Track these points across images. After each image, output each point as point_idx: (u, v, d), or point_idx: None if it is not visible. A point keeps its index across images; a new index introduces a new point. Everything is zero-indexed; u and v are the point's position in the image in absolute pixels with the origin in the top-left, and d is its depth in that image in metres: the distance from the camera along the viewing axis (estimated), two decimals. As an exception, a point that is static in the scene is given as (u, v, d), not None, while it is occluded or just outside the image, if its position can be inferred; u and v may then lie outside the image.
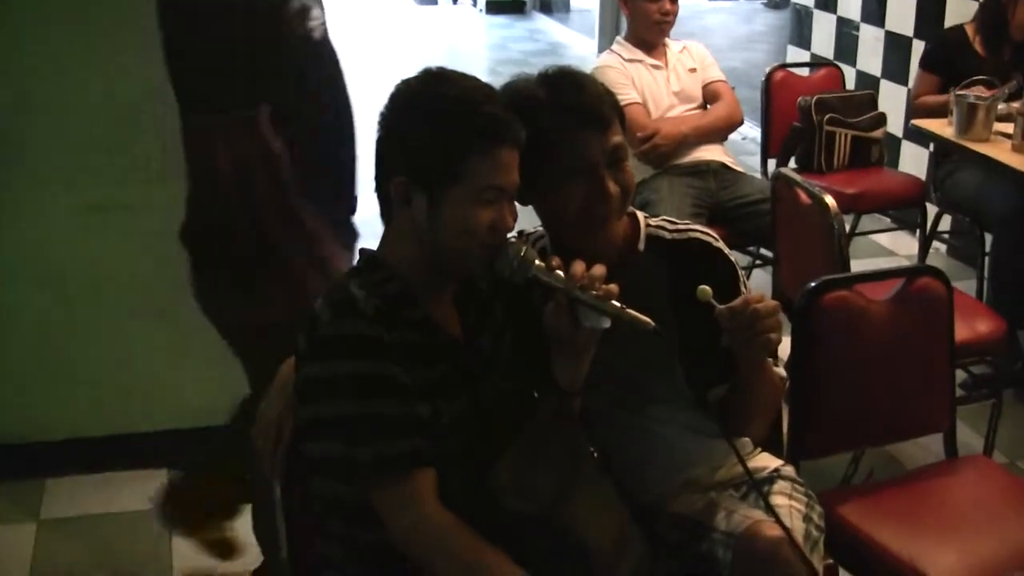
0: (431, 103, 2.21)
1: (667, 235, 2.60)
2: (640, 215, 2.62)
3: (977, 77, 5.32)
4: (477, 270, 2.27)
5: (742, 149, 8.00)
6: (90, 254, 4.09)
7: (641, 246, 2.57)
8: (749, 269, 5.56)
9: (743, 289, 2.55)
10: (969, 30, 5.67)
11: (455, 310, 2.35)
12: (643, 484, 2.62)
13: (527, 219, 2.41)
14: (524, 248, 2.23)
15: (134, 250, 4.08)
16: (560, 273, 2.19)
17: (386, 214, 2.30)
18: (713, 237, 2.63)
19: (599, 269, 2.18)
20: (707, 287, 2.26)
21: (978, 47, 5.60)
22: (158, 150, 3.94)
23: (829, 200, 3.80)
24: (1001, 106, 5.03)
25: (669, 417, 2.61)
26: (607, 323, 2.17)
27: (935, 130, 5.21)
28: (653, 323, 2.17)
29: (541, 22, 14.78)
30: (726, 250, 2.62)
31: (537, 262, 2.21)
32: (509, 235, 2.30)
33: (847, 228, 5.99)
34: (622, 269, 2.38)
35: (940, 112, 5.28)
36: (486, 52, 13.10)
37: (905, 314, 3.19)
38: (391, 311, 2.19)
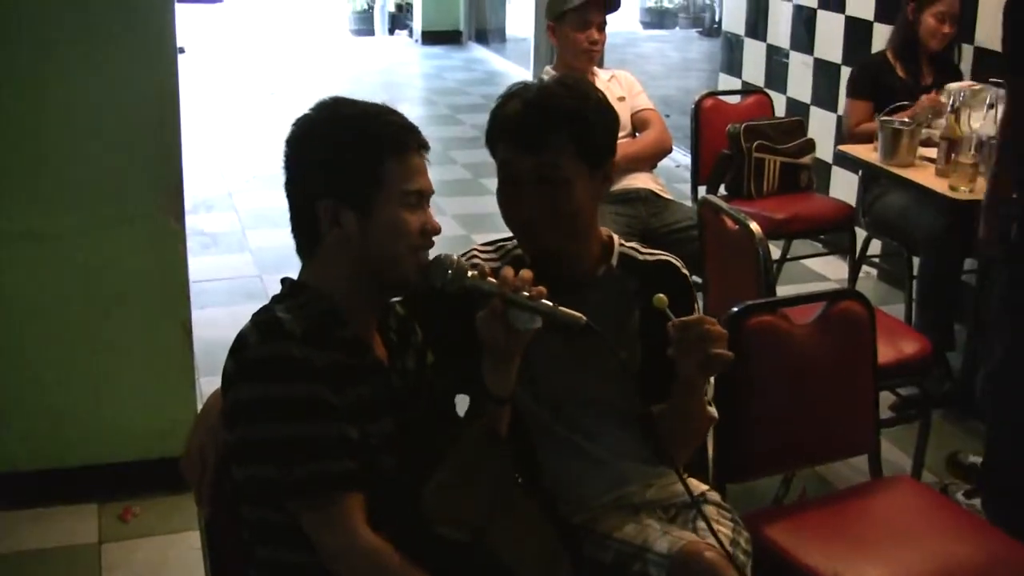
0: (338, 124, 2.30)
1: (639, 256, 2.71)
2: (615, 237, 2.72)
3: (903, 103, 5.40)
4: (411, 278, 2.32)
5: (676, 176, 8.05)
6: (15, 281, 4.07)
7: (614, 262, 2.66)
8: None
9: None
10: (889, 55, 5.77)
11: (378, 334, 2.39)
12: (576, 502, 2.67)
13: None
14: (457, 259, 2.30)
15: (61, 279, 4.07)
16: (492, 279, 2.26)
17: (307, 245, 2.34)
18: (680, 263, 2.74)
19: (527, 273, 2.26)
20: (663, 296, 2.35)
21: (900, 71, 5.69)
22: (77, 180, 3.97)
23: (754, 226, 3.85)
24: (925, 131, 5.11)
25: (606, 435, 2.66)
26: (539, 323, 2.24)
27: (861, 155, 5.29)
28: (584, 319, 2.24)
29: (477, 52, 14.82)
30: (689, 278, 2.73)
31: (470, 271, 2.28)
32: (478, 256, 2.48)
33: (778, 254, 6.08)
34: (596, 284, 2.58)
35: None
36: (422, 81, 13.12)
37: (828, 337, 3.24)
38: (319, 332, 2.22)
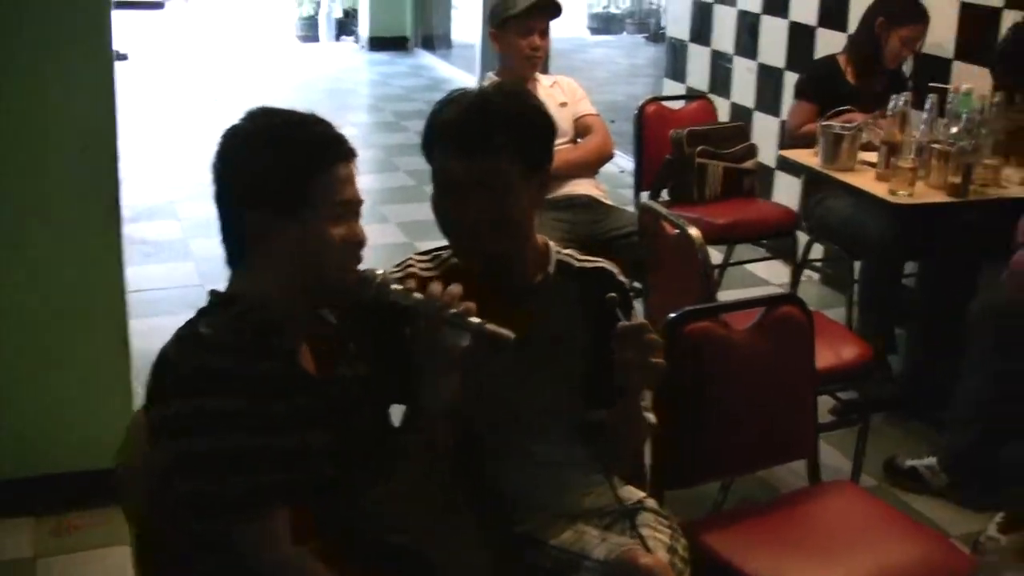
0: (267, 133, 2.29)
1: (576, 263, 2.70)
2: (551, 244, 2.71)
3: (846, 107, 5.42)
4: (340, 290, 2.31)
5: (620, 182, 8.05)
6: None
7: (551, 269, 2.65)
8: (628, 302, 5.61)
9: None
10: (841, 60, 5.79)
11: (308, 346, 2.38)
12: (519, 511, 2.66)
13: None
14: (382, 273, 2.29)
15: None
16: (418, 295, 2.25)
17: (235, 255, 2.33)
18: (617, 269, 2.75)
19: (456, 288, 2.25)
20: (615, 295, 2.37)
21: (850, 76, 5.71)
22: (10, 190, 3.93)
23: (693, 231, 3.86)
24: (865, 135, 5.13)
25: (548, 444, 2.66)
26: (467, 340, 2.24)
27: (802, 160, 5.30)
28: (513, 335, 2.24)
29: (424, 58, 14.81)
30: (626, 284, 2.74)
31: (395, 286, 2.28)
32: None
33: (722, 259, 6.09)
34: (534, 291, 2.58)
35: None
36: (367, 88, 13.09)
37: (767, 342, 3.24)
38: (249, 343, 2.20)
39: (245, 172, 2.27)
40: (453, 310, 2.22)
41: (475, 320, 2.22)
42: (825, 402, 4.66)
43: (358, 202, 2.33)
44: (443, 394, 2.30)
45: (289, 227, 2.23)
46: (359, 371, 2.46)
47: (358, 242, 2.30)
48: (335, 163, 2.28)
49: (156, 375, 2.22)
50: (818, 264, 6.41)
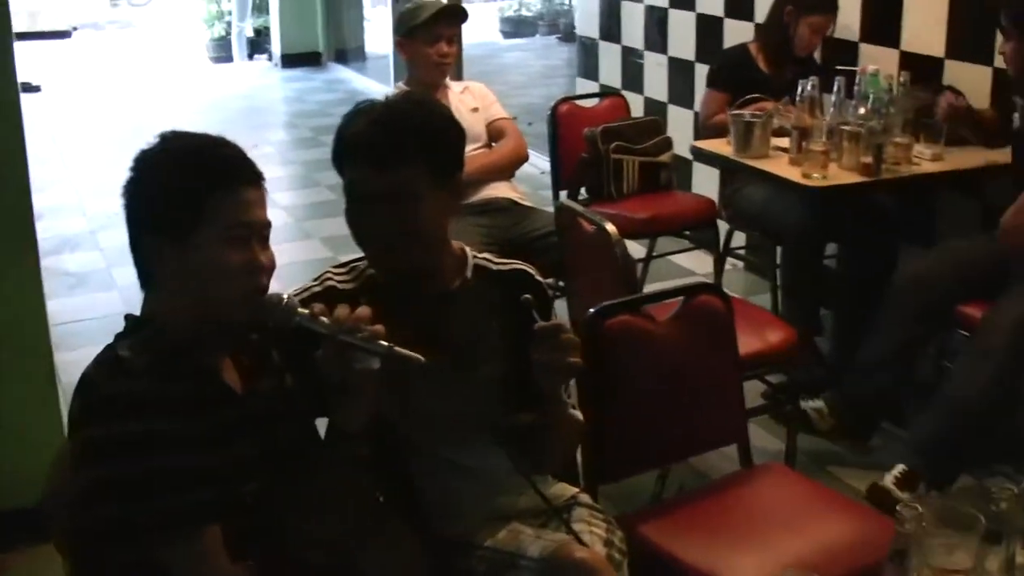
0: (170, 157, 2.29)
1: (493, 267, 2.72)
2: (467, 249, 2.72)
3: (757, 95, 5.47)
4: (241, 317, 2.29)
5: (541, 183, 8.07)
6: None
7: (468, 274, 2.66)
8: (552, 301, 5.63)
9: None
10: (752, 48, 5.84)
11: (231, 360, 2.37)
12: (450, 516, 2.67)
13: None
14: (286, 297, 2.28)
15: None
16: (325, 319, 2.23)
17: (145, 277, 2.33)
18: (534, 270, 2.77)
19: (364, 311, 2.24)
20: (529, 296, 2.41)
21: (762, 64, 5.76)
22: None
23: (609, 227, 3.88)
24: (776, 121, 5.18)
25: (476, 448, 2.66)
26: (377, 363, 2.23)
27: (715, 150, 5.33)
28: (422, 358, 2.23)
29: (338, 72, 14.76)
30: (543, 284, 2.75)
31: (300, 309, 2.26)
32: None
33: (645, 252, 6.13)
34: (452, 298, 2.59)
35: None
36: (283, 105, 13.04)
37: (688, 332, 3.28)
38: (163, 366, 2.20)
39: (147, 195, 2.27)
40: (361, 334, 2.21)
41: (384, 344, 2.21)
42: (757, 387, 4.70)
43: (263, 225, 2.31)
44: (357, 414, 2.30)
45: (177, 251, 2.22)
46: (283, 384, 2.46)
47: (260, 267, 2.28)
48: (237, 186, 2.27)
49: (76, 400, 2.22)
50: (741, 252, 6.46)
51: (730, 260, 6.25)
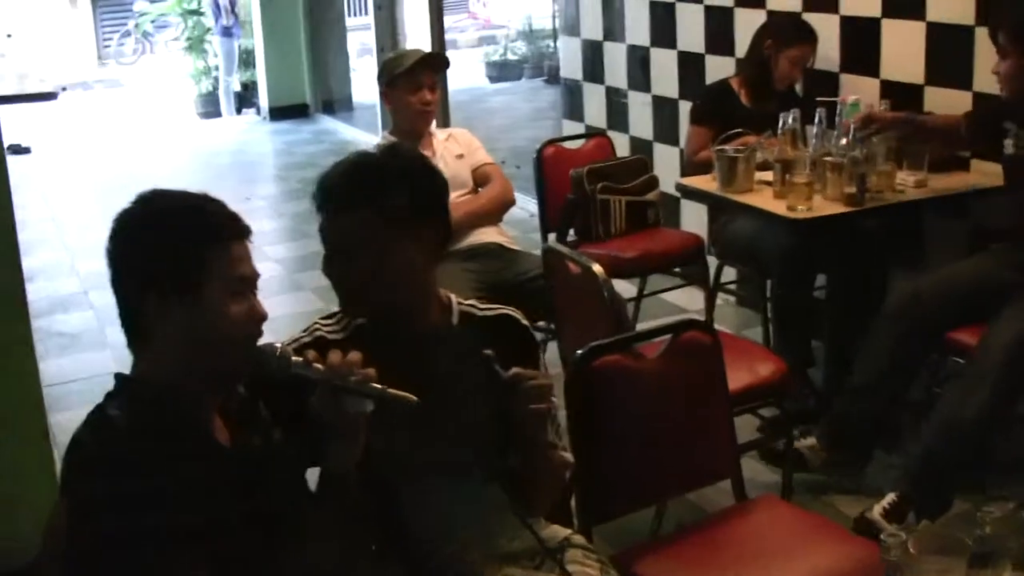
0: (160, 216, 2.31)
1: (478, 312, 2.74)
2: (453, 297, 2.75)
3: (739, 130, 5.50)
4: (242, 367, 2.32)
5: (531, 226, 8.08)
6: None
7: (454, 321, 2.69)
8: (544, 343, 5.65)
9: (541, 367, 2.73)
10: (734, 84, 5.89)
11: (220, 417, 2.38)
12: (444, 561, 2.67)
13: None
14: (279, 345, 2.30)
15: None
16: (319, 366, 2.26)
17: (136, 339, 2.33)
18: (520, 315, 2.79)
19: (355, 356, 2.27)
20: (490, 351, 2.43)
21: (744, 98, 5.80)
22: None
23: (596, 267, 3.90)
24: (760, 154, 5.21)
25: (471, 490, 2.67)
26: (371, 406, 2.27)
27: (700, 186, 5.36)
28: (416, 399, 2.27)
29: (326, 123, 14.81)
30: (530, 328, 2.79)
31: (295, 358, 2.28)
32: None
33: (636, 291, 6.15)
34: (438, 344, 2.60)
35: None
36: (272, 158, 13.08)
37: (677, 368, 3.29)
38: (153, 425, 2.22)
39: (139, 255, 2.28)
40: (354, 378, 2.24)
41: (377, 386, 2.25)
42: (751, 421, 4.71)
43: (254, 278, 2.35)
44: (350, 459, 2.33)
45: (184, 307, 2.24)
46: (273, 438, 2.48)
47: (258, 318, 2.32)
48: (229, 241, 2.30)
49: (68, 460, 2.23)
50: (732, 287, 6.48)
51: (722, 295, 6.25)
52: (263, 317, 2.33)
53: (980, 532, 1.96)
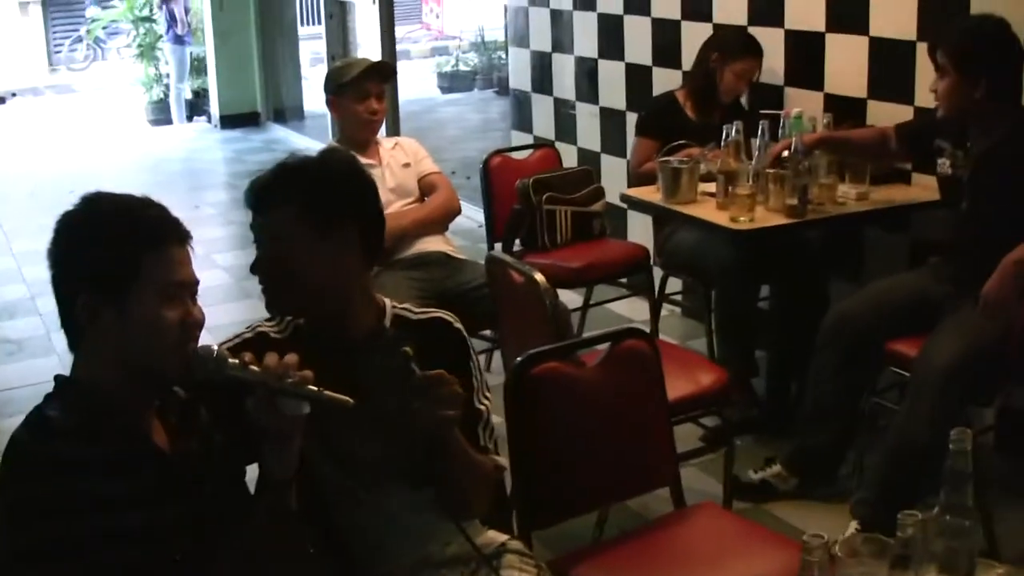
0: (97, 219, 2.32)
1: (412, 316, 2.76)
2: (387, 300, 2.77)
3: (683, 142, 5.55)
4: (176, 372, 2.32)
5: (479, 236, 8.10)
6: None
7: (387, 323, 2.71)
8: (489, 353, 5.68)
9: (473, 371, 2.74)
10: (680, 96, 5.92)
11: (159, 420, 2.39)
12: (378, 566, 2.70)
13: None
14: (216, 348, 2.30)
15: None
16: (255, 367, 2.26)
17: (74, 339, 2.34)
18: (453, 318, 2.81)
19: (292, 358, 2.27)
20: (409, 348, 2.43)
21: (689, 111, 5.85)
22: None
23: (538, 276, 3.92)
24: (704, 166, 5.25)
25: (402, 496, 2.70)
26: (307, 408, 2.27)
27: (645, 197, 5.39)
28: (352, 401, 2.28)
29: (277, 131, 14.77)
30: (463, 331, 2.80)
31: (231, 360, 2.28)
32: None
33: (582, 301, 6.18)
34: (371, 348, 2.60)
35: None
36: (223, 166, 13.04)
37: (616, 377, 3.32)
38: (90, 427, 2.22)
39: (76, 257, 2.29)
40: (290, 379, 2.25)
41: (313, 388, 2.25)
42: (692, 430, 4.75)
43: (194, 283, 2.35)
44: (286, 461, 2.33)
45: (119, 312, 2.25)
46: (213, 441, 2.48)
47: (194, 323, 2.32)
48: (167, 246, 2.30)
49: (4, 459, 2.23)
50: (677, 297, 6.52)
51: (667, 306, 6.28)
52: (198, 323, 2.33)
53: (901, 535, 2.00)
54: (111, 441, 2.24)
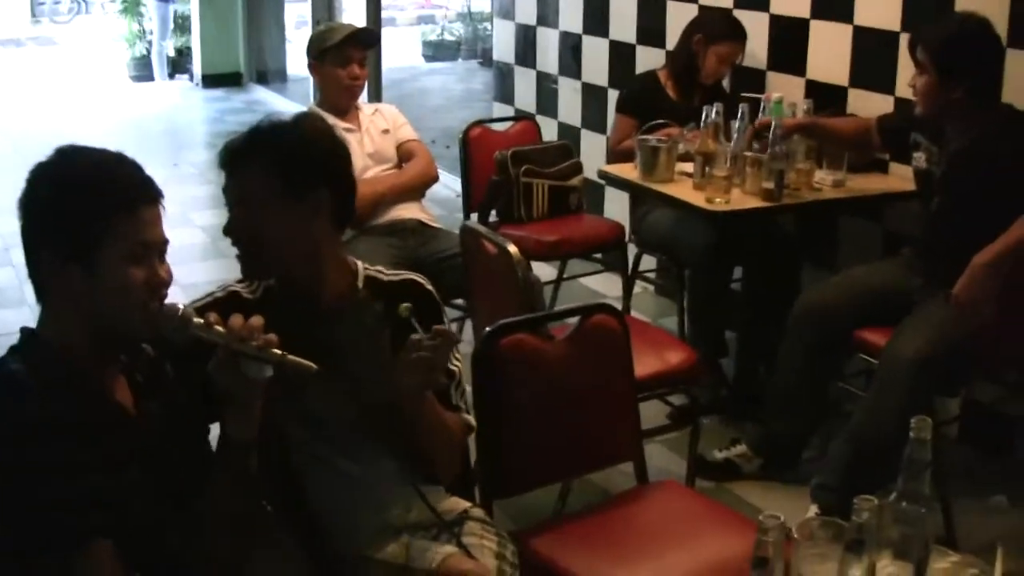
0: (69, 174, 2.30)
1: (384, 277, 2.78)
2: (359, 263, 2.78)
3: (663, 120, 5.56)
4: (141, 331, 2.31)
5: (456, 205, 8.10)
6: None
7: (360, 284, 2.72)
8: (460, 322, 5.69)
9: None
10: (661, 76, 5.91)
11: (124, 378, 2.38)
12: (341, 530, 2.71)
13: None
14: (181, 307, 2.29)
15: None
16: (220, 328, 2.26)
17: (41, 291, 2.33)
18: (425, 280, 2.84)
19: (257, 320, 2.27)
20: (408, 304, 2.47)
21: (671, 91, 5.85)
22: None
23: (512, 248, 3.92)
24: (682, 146, 5.26)
25: (366, 460, 2.72)
26: (270, 372, 2.26)
27: (621, 174, 5.39)
28: (315, 367, 2.27)
29: (258, 93, 14.74)
30: (435, 294, 2.82)
31: (196, 319, 2.27)
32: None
33: (556, 275, 6.19)
34: (343, 308, 2.64)
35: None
36: (203, 126, 13.00)
37: (583, 351, 3.33)
38: (54, 387, 2.21)
39: (46, 211, 2.28)
40: (254, 342, 2.24)
41: (277, 352, 2.25)
42: (661, 408, 4.78)
43: (162, 243, 2.33)
44: (248, 424, 2.33)
45: (85, 268, 2.23)
46: (178, 401, 2.47)
47: (160, 282, 2.30)
48: (137, 206, 2.28)
49: None
50: (650, 275, 6.54)
51: (640, 283, 6.31)
52: (164, 282, 2.31)
53: (857, 519, 2.02)
54: (73, 402, 2.22)
